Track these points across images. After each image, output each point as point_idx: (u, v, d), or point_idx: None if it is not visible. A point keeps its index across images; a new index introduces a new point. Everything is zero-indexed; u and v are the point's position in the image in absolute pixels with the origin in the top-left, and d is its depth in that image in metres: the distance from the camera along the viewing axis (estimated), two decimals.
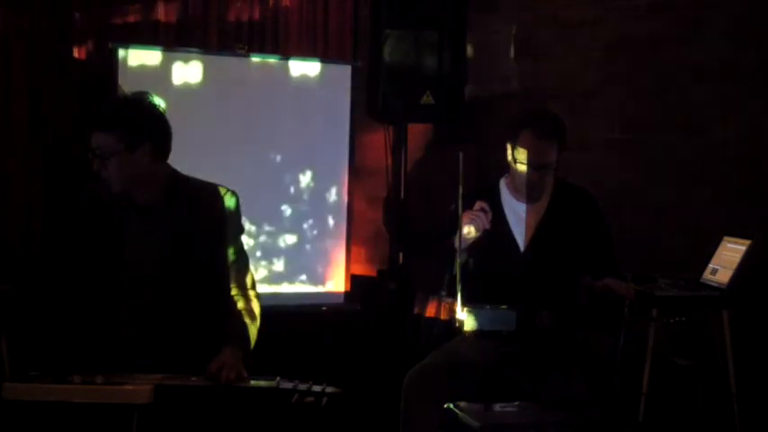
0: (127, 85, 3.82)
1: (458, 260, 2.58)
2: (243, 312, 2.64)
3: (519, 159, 2.94)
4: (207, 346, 2.50)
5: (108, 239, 2.57)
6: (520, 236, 3.01)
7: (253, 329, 2.64)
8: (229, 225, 2.68)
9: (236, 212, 2.71)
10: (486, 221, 2.76)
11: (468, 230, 2.74)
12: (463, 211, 2.61)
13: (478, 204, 2.77)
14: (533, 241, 3.00)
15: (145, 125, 2.54)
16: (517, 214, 3.03)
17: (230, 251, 2.68)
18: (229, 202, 2.69)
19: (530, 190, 2.98)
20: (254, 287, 2.73)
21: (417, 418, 2.81)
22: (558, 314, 2.71)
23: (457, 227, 2.67)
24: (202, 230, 2.62)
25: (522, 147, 2.92)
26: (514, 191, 3.04)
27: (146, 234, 2.57)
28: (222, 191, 2.70)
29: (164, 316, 2.56)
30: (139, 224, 2.57)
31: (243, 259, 2.72)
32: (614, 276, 3.05)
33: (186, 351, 2.50)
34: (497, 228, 2.94)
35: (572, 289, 3.00)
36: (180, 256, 2.58)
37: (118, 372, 2.39)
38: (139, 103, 2.57)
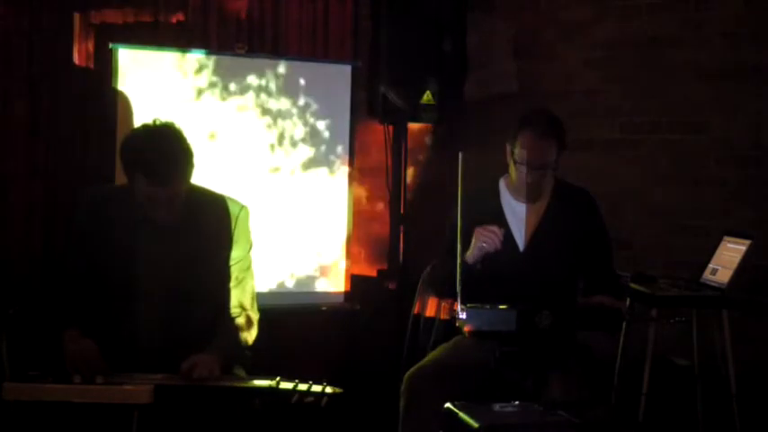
0: (127, 86, 3.83)
1: (458, 260, 2.58)
2: (238, 323, 2.66)
3: (518, 159, 2.93)
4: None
5: (119, 246, 2.57)
6: (519, 236, 3.01)
7: (245, 335, 2.66)
8: (235, 238, 2.68)
9: (245, 227, 2.71)
10: (497, 242, 2.77)
11: (480, 248, 2.78)
12: (462, 210, 2.61)
13: (494, 228, 2.78)
14: (533, 241, 2.99)
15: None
16: (517, 214, 3.02)
17: (236, 267, 2.68)
18: (239, 215, 2.69)
19: (529, 190, 2.98)
20: (253, 305, 2.74)
21: (416, 418, 2.80)
22: (558, 314, 2.71)
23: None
24: (209, 241, 2.63)
25: (522, 147, 2.92)
26: (514, 191, 3.04)
27: (154, 242, 2.57)
28: (234, 205, 2.70)
29: (171, 322, 2.57)
30: (149, 233, 2.58)
31: (248, 276, 2.72)
32: (611, 280, 3.03)
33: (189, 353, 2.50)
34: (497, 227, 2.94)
35: (571, 289, 3.00)
36: (188, 266, 2.59)
37: (120, 372, 2.39)
38: (181, 137, 2.57)
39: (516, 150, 2.94)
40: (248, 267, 2.72)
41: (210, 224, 2.64)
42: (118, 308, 2.57)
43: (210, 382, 2.39)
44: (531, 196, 3.00)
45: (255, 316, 2.72)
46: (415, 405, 2.82)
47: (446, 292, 3.07)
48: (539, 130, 2.91)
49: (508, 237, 2.98)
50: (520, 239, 3.00)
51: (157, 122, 2.54)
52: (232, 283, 2.67)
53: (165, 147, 2.48)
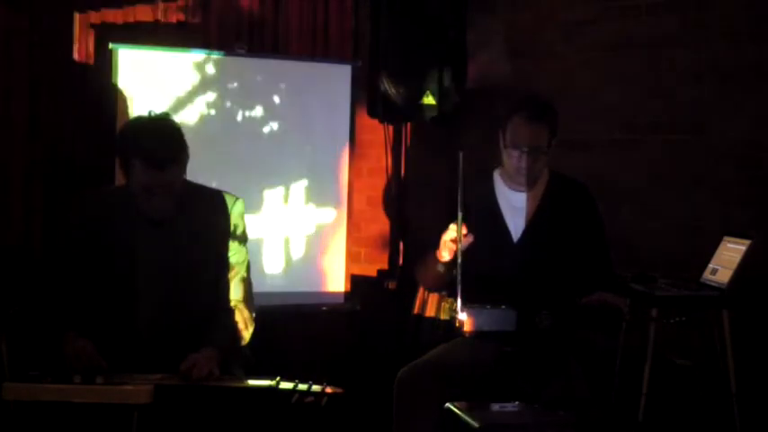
0: (127, 86, 3.83)
1: (458, 260, 2.58)
2: (234, 320, 2.66)
3: (509, 144, 2.93)
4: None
5: (117, 245, 2.57)
6: (513, 226, 2.99)
7: (241, 333, 2.66)
8: (233, 233, 2.68)
9: (240, 220, 2.72)
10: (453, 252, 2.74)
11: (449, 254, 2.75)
12: (462, 207, 2.61)
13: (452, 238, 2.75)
14: (527, 231, 2.99)
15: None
16: (510, 203, 3.01)
17: (232, 261, 2.69)
18: (235, 210, 2.70)
19: (522, 175, 2.97)
20: (250, 299, 2.74)
21: (411, 416, 2.80)
22: (558, 314, 2.71)
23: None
24: (207, 238, 2.63)
25: (513, 130, 2.92)
26: (508, 180, 3.03)
27: (154, 240, 2.58)
28: (229, 199, 2.70)
29: (169, 318, 2.57)
30: (148, 231, 2.58)
31: (244, 270, 2.72)
32: (606, 276, 3.03)
33: (189, 352, 2.50)
34: (491, 217, 2.94)
35: (569, 286, 2.99)
36: (185, 262, 2.59)
37: (120, 372, 2.40)
38: (177, 126, 2.59)
39: (508, 135, 2.94)
40: (244, 261, 2.72)
41: (206, 218, 2.65)
42: (117, 306, 2.57)
43: (210, 382, 2.39)
44: (524, 181, 2.98)
45: (252, 309, 2.72)
46: (408, 403, 2.82)
47: (433, 286, 3.08)
48: (529, 113, 2.92)
49: (502, 226, 2.98)
50: (513, 229, 2.99)
51: (152, 114, 2.58)
52: (229, 276, 2.68)
53: (162, 132, 2.52)
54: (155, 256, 2.58)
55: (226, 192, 2.74)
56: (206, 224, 2.64)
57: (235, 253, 2.70)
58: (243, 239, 2.72)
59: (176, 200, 2.56)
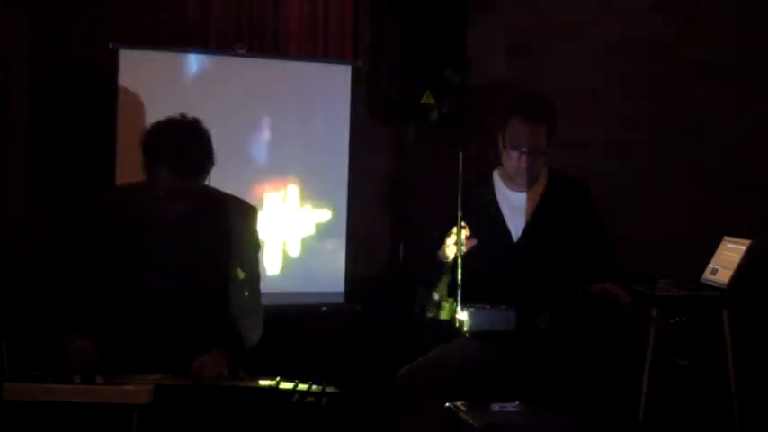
0: (127, 86, 3.83)
1: (459, 261, 2.58)
2: (243, 323, 2.66)
3: (508, 145, 2.93)
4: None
5: (125, 245, 2.57)
6: (513, 225, 3.00)
7: (250, 335, 2.66)
8: (243, 239, 2.68)
9: (253, 227, 2.72)
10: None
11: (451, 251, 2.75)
12: (461, 207, 2.61)
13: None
14: (527, 230, 2.99)
15: None
16: (510, 203, 3.02)
17: (246, 268, 2.69)
18: (247, 215, 2.69)
19: (522, 175, 2.96)
20: (259, 305, 2.74)
21: (411, 416, 2.80)
22: (558, 314, 2.71)
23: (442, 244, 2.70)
24: (217, 241, 2.63)
25: (512, 131, 2.92)
26: (507, 180, 3.03)
27: (166, 241, 2.58)
28: (242, 205, 2.70)
29: (176, 320, 2.57)
30: (161, 232, 2.58)
31: (255, 277, 2.73)
32: (609, 274, 3.02)
33: (193, 354, 2.50)
34: (491, 218, 2.94)
35: (570, 286, 2.99)
36: (194, 265, 2.59)
37: (121, 372, 2.40)
38: (208, 134, 2.58)
39: (507, 136, 2.94)
40: (255, 268, 2.73)
41: (219, 223, 2.65)
42: (123, 307, 2.57)
43: (218, 382, 2.40)
44: (524, 182, 2.98)
45: (261, 316, 2.73)
46: (408, 404, 2.82)
47: (433, 286, 3.08)
48: (528, 114, 2.91)
49: (502, 226, 2.98)
50: (513, 229, 2.99)
51: (184, 117, 2.55)
52: (238, 283, 2.68)
53: (193, 139, 2.51)
54: (166, 257, 2.57)
55: (239, 198, 2.74)
56: (216, 228, 2.64)
57: (247, 260, 2.69)
58: (254, 247, 2.73)
59: (195, 203, 2.56)
